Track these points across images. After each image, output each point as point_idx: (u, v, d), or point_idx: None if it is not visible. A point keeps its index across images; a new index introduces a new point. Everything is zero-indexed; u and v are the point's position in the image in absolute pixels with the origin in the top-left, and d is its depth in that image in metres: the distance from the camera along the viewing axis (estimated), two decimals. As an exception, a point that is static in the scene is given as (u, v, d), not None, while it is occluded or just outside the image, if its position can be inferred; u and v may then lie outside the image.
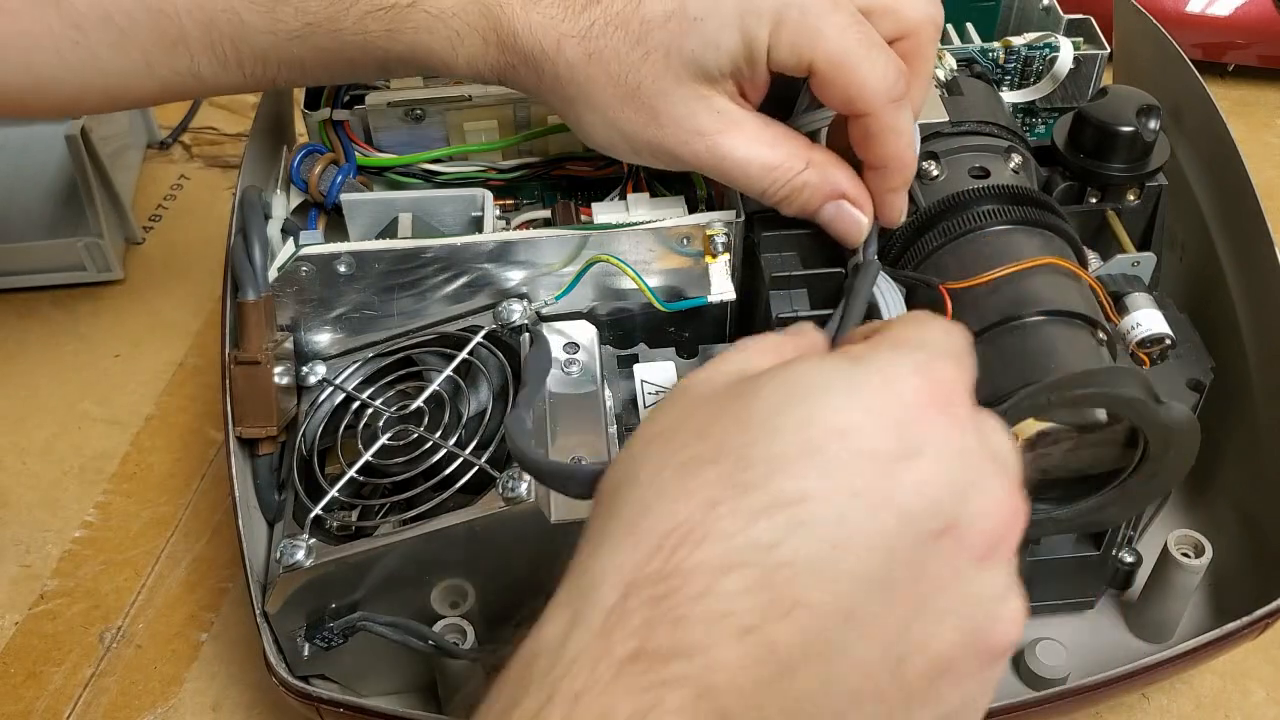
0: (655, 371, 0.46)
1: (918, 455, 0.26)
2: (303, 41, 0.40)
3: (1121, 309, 0.45)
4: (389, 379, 0.45)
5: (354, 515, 0.42)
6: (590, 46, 0.38)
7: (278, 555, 0.41)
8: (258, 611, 0.42)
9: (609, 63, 0.38)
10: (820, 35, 0.38)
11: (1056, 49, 0.53)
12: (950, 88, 0.49)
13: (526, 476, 0.39)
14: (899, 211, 0.42)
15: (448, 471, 0.41)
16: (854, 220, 0.41)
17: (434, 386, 0.43)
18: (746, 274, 0.46)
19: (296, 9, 0.39)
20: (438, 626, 0.42)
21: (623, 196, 0.48)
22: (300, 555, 0.41)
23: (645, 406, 0.45)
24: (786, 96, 0.43)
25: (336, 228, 0.49)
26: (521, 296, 0.46)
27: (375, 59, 0.40)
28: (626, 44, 0.38)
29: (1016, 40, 0.54)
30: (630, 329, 0.48)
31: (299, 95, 0.52)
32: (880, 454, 0.26)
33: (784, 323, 0.43)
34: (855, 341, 0.31)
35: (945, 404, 0.27)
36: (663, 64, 0.38)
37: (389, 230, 0.47)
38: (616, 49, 0.38)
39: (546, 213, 0.49)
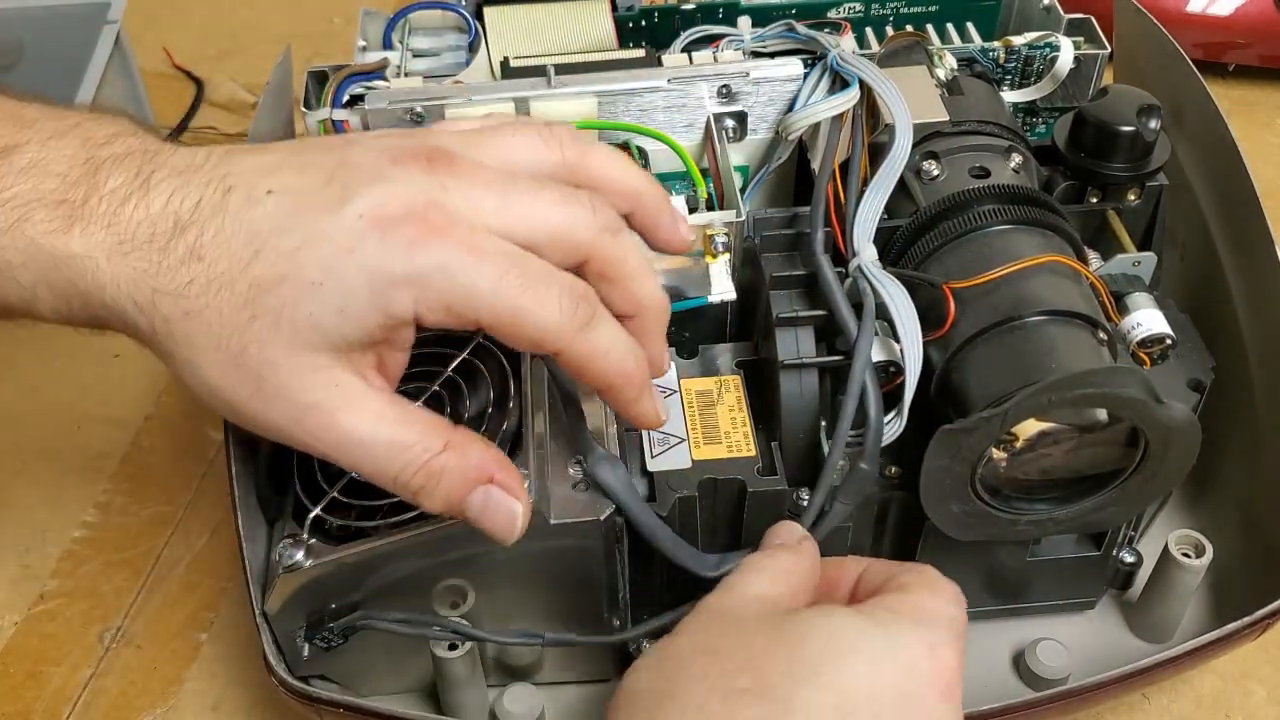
0: (655, 371, 0.46)
1: None
2: None
3: (1122, 309, 0.45)
4: (389, 379, 0.45)
5: (354, 515, 0.42)
6: (188, 305, 0.33)
7: (277, 555, 0.41)
8: (257, 612, 0.42)
9: (210, 324, 0.33)
10: (475, 293, 0.32)
11: (1057, 48, 0.53)
12: (951, 87, 0.49)
13: (527, 476, 0.39)
14: (652, 414, 0.38)
15: (448, 472, 0.41)
16: (507, 510, 0.35)
17: (434, 387, 0.43)
18: (746, 274, 0.46)
19: None
20: (444, 618, 0.42)
21: (623, 196, 0.48)
22: (300, 556, 0.41)
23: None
24: None
25: (336, 227, 0.48)
26: (521, 296, 0.45)
27: None
28: (231, 306, 0.32)
29: (1017, 40, 0.54)
30: (630, 329, 0.47)
31: (299, 95, 0.52)
32: None
33: (784, 323, 0.43)
34: (874, 584, 0.37)
35: (946, 691, 0.33)
36: (271, 329, 0.32)
37: (389, 230, 0.47)
38: (219, 309, 0.32)
39: (546, 212, 0.49)
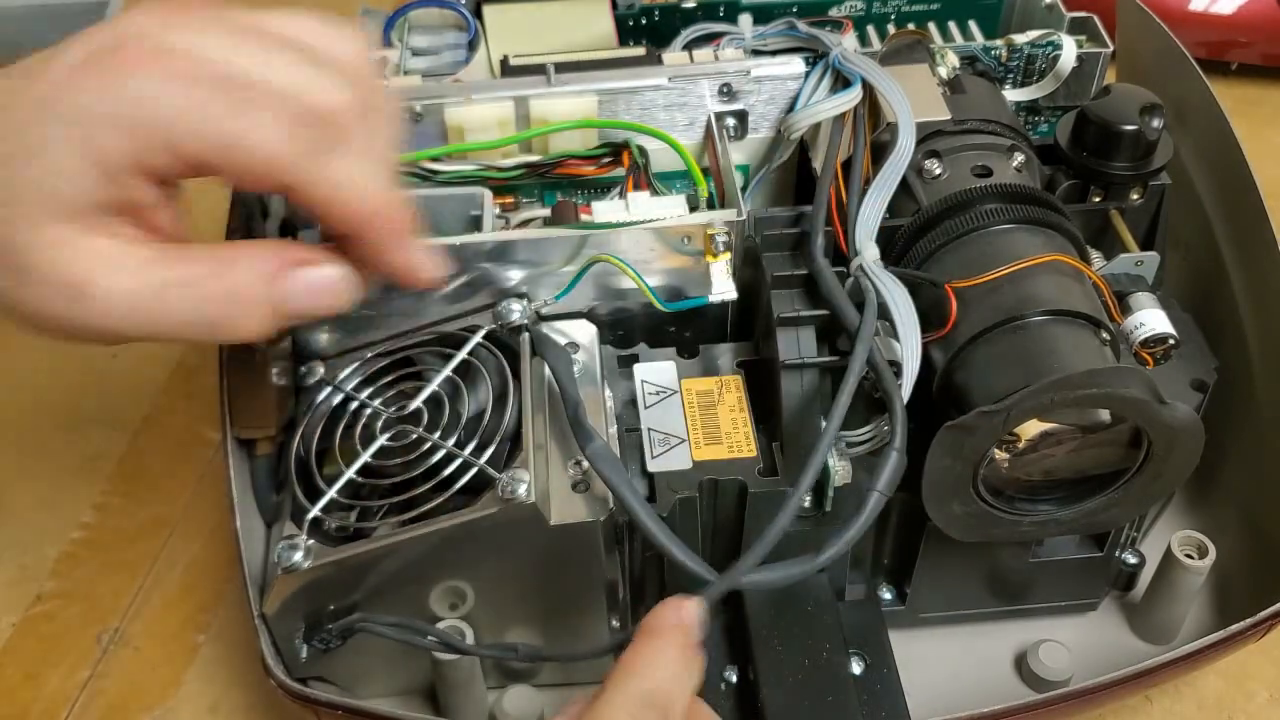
0: (655, 371, 0.45)
1: None
2: None
3: (1125, 308, 0.45)
4: (388, 379, 0.45)
5: (352, 516, 0.41)
6: None
7: (275, 557, 0.41)
8: (255, 613, 0.41)
9: None
10: (182, 121, 0.30)
11: (1059, 47, 0.53)
12: (953, 86, 0.49)
13: (526, 477, 0.39)
14: (417, 262, 0.35)
15: (447, 472, 0.41)
16: (325, 283, 0.34)
17: (433, 386, 0.43)
18: (747, 273, 0.46)
19: None
20: (437, 628, 0.42)
21: (623, 195, 0.47)
22: (298, 557, 0.40)
23: (646, 407, 0.44)
24: None
25: (335, 227, 0.48)
26: (521, 296, 0.45)
27: None
28: None
29: (1019, 38, 0.54)
30: (630, 328, 0.47)
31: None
32: None
33: (786, 322, 0.43)
34: None
35: None
36: (13, 210, 0.30)
37: (388, 229, 0.47)
38: None
39: (546, 212, 0.49)
